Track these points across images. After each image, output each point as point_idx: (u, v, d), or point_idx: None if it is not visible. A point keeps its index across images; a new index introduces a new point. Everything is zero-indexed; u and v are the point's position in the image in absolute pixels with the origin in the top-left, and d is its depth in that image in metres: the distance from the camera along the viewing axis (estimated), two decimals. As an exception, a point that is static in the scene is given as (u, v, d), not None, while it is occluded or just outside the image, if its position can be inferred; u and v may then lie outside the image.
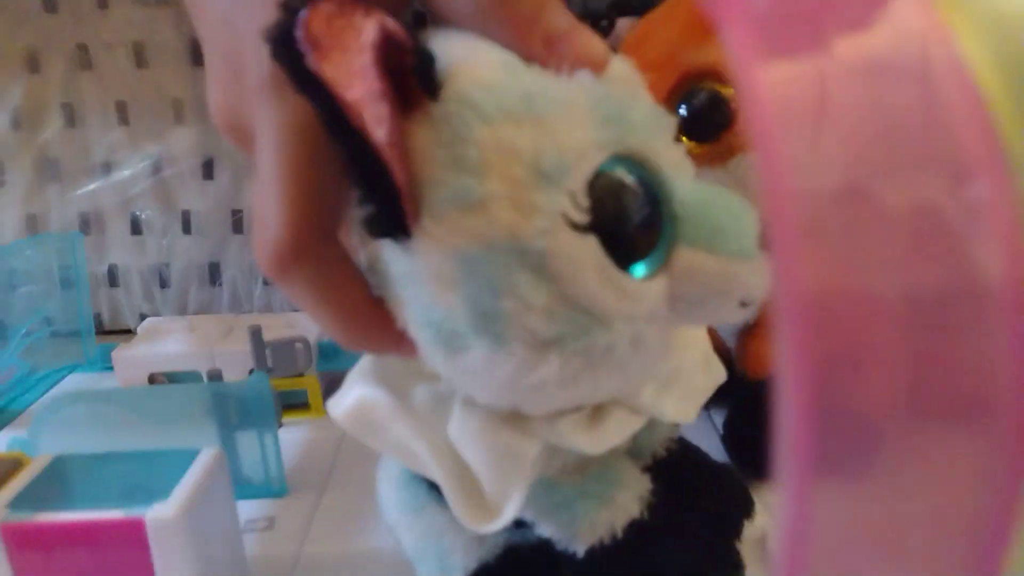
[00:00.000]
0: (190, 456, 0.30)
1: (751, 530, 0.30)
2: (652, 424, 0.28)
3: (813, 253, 0.12)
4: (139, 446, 0.32)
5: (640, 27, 0.34)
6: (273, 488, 0.38)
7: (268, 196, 0.21)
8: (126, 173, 0.60)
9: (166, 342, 0.48)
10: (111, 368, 0.50)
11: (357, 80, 0.17)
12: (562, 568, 0.27)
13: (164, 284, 0.61)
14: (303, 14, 0.18)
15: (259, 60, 0.21)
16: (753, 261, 0.22)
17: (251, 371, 0.45)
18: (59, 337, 0.54)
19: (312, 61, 0.17)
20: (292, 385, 0.45)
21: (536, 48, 0.21)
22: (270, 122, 0.21)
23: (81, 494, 0.29)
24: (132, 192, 0.60)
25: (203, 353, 0.46)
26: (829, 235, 0.12)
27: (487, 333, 0.20)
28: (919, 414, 0.13)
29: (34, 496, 0.28)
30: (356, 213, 0.20)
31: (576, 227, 0.20)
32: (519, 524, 0.27)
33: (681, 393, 0.27)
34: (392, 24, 0.18)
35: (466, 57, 0.20)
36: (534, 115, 0.19)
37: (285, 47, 0.18)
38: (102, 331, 0.62)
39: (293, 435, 0.43)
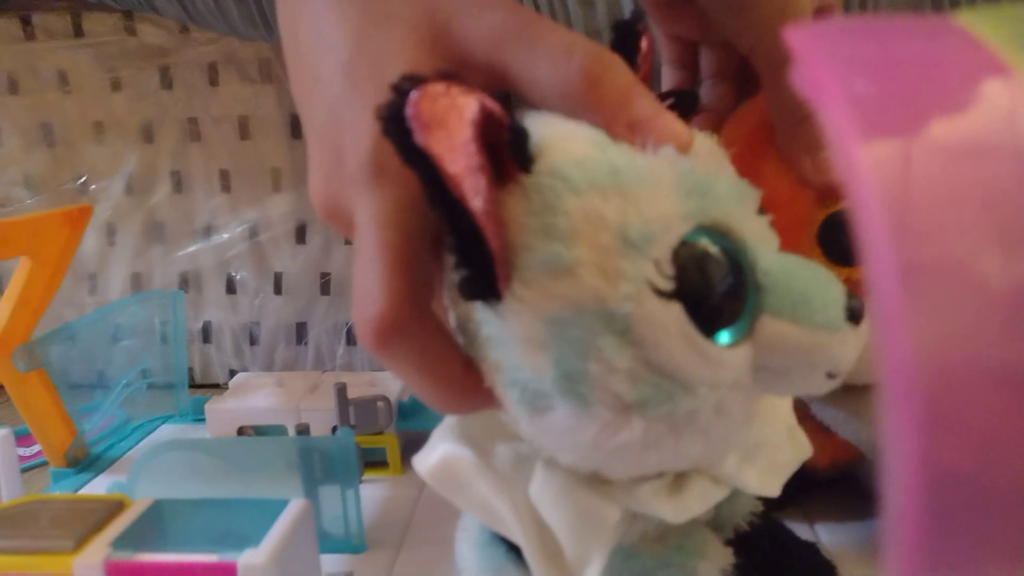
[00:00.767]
0: (279, 506, 0.31)
1: None
2: (734, 496, 0.28)
3: (918, 325, 0.13)
4: (228, 494, 0.33)
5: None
6: (352, 543, 0.38)
7: (369, 274, 0.23)
8: (225, 236, 0.63)
9: (255, 396, 0.50)
10: (202, 420, 0.52)
11: (458, 155, 0.19)
12: None
13: (254, 341, 0.64)
14: (413, 95, 0.19)
15: (358, 149, 0.23)
16: (840, 333, 0.22)
17: (335, 427, 0.47)
18: (154, 389, 0.57)
19: (419, 137, 0.19)
20: (372, 443, 0.46)
21: (621, 132, 0.22)
22: (370, 205, 0.23)
23: (177, 537, 0.30)
24: (229, 254, 0.63)
25: (290, 408, 0.48)
26: (933, 308, 0.13)
27: (572, 394, 0.21)
28: None
29: (135, 536, 0.29)
30: (451, 277, 0.21)
31: (661, 294, 0.20)
32: None
33: (765, 465, 0.27)
34: (490, 102, 0.20)
35: (556, 133, 0.22)
36: (621, 188, 0.21)
37: (395, 124, 0.19)
38: (194, 385, 0.65)
39: (371, 492, 0.44)
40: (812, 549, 0.31)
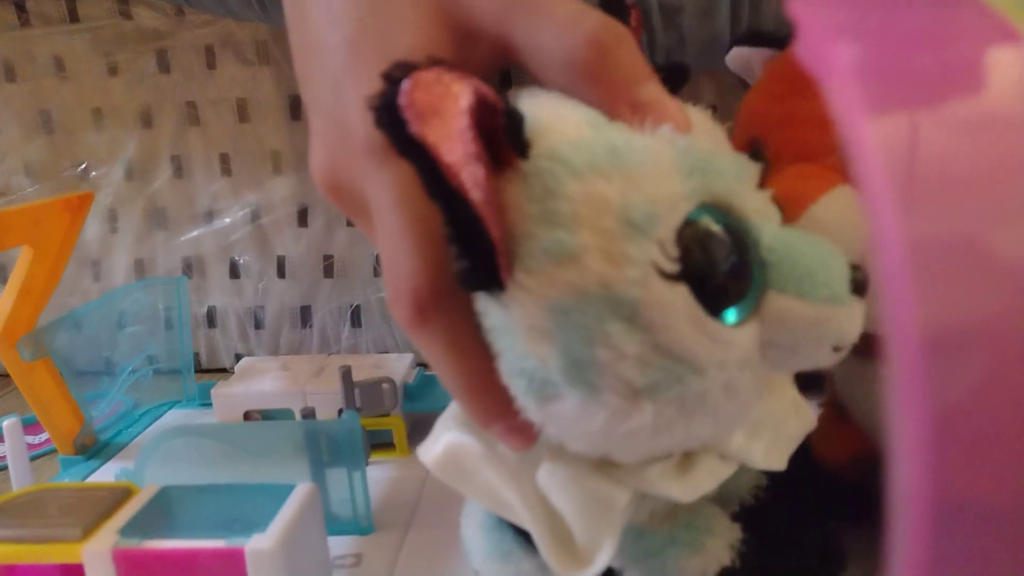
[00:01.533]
0: (286, 490, 0.31)
1: None
2: (739, 471, 0.28)
3: (924, 298, 0.12)
4: (235, 478, 0.33)
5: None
6: (360, 525, 0.38)
7: (401, 250, 0.22)
8: (227, 220, 0.63)
9: (261, 381, 0.50)
10: (208, 405, 0.52)
11: (455, 144, 0.19)
12: None
13: (259, 325, 0.64)
14: (405, 84, 0.19)
15: (367, 124, 0.22)
16: (845, 306, 0.22)
17: (340, 410, 0.47)
18: (161, 375, 0.57)
19: (414, 127, 0.19)
20: (378, 424, 0.46)
21: (623, 111, 0.22)
22: (386, 181, 0.22)
23: (184, 523, 0.30)
24: (232, 238, 0.63)
25: (296, 392, 0.48)
26: (942, 282, 0.12)
27: (580, 382, 0.20)
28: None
29: (143, 524, 0.29)
30: (453, 268, 0.21)
31: (667, 276, 0.20)
32: (607, 571, 0.27)
33: (771, 439, 0.27)
34: (484, 88, 0.19)
35: (552, 116, 0.21)
36: (622, 168, 0.20)
37: (388, 114, 0.19)
38: (200, 369, 0.65)
39: (378, 474, 0.44)
40: (820, 528, 0.31)
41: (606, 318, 0.20)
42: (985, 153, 0.14)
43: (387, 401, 0.46)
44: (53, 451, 0.51)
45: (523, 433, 0.23)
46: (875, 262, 0.13)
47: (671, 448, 0.23)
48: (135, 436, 0.52)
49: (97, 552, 0.28)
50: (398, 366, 0.49)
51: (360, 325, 0.63)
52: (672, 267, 0.20)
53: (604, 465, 0.24)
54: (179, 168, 0.63)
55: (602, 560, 0.24)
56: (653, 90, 0.22)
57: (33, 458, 0.50)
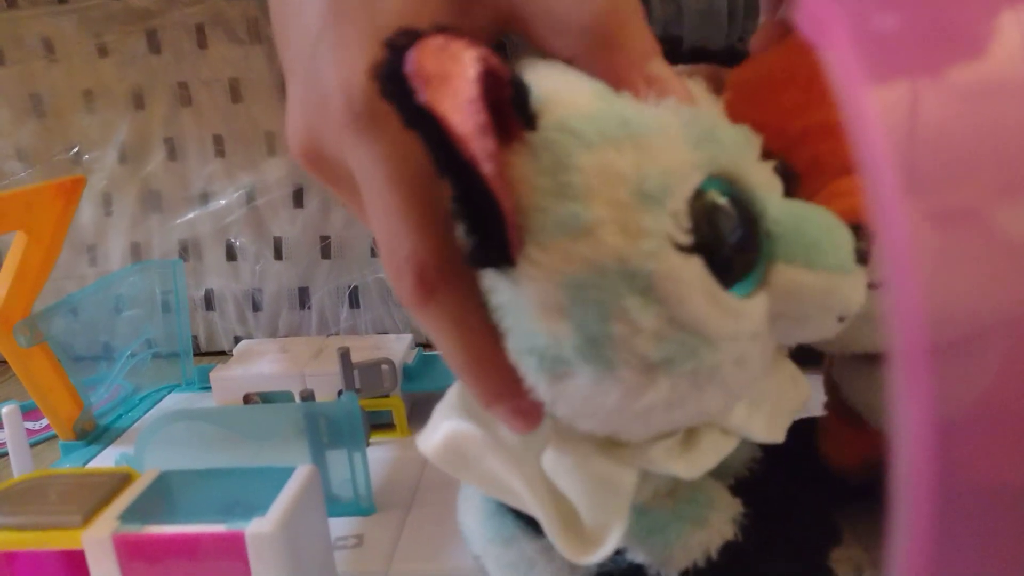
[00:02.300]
0: (286, 473, 0.31)
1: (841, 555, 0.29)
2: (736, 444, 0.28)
3: (928, 277, 0.12)
4: (236, 462, 0.33)
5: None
6: (362, 506, 0.38)
7: (397, 228, 0.21)
8: (222, 202, 0.63)
9: (260, 363, 0.49)
10: (208, 388, 0.52)
11: (464, 115, 0.18)
12: None
13: (256, 307, 0.64)
14: (411, 52, 0.18)
15: (349, 90, 0.21)
16: (851, 274, 0.22)
17: (340, 392, 0.46)
18: (160, 358, 0.57)
19: (423, 97, 0.18)
20: (378, 405, 0.46)
21: (637, 84, 0.21)
22: (377, 154, 0.21)
23: (185, 508, 0.30)
24: (227, 220, 0.63)
25: (295, 374, 0.47)
26: (946, 260, 0.12)
27: (596, 359, 0.20)
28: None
29: (143, 509, 0.29)
30: (460, 244, 0.20)
31: (681, 248, 0.20)
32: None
33: (771, 412, 0.27)
34: (492, 57, 0.19)
35: (559, 86, 0.21)
36: (634, 139, 0.20)
37: (394, 83, 0.18)
38: (199, 353, 0.65)
39: (379, 454, 0.44)
40: (813, 493, 0.31)
41: (622, 292, 0.19)
42: (988, 122, 0.14)
43: (386, 382, 0.45)
44: (53, 437, 0.51)
45: (528, 414, 0.23)
46: (878, 239, 0.12)
47: (682, 423, 0.23)
48: (135, 420, 0.52)
49: (97, 538, 0.28)
50: (397, 347, 0.49)
51: (358, 306, 0.63)
52: (686, 239, 0.20)
53: (609, 446, 0.24)
54: (172, 150, 0.62)
55: (612, 542, 0.24)
56: (662, 63, 0.22)
57: (33, 444, 0.50)
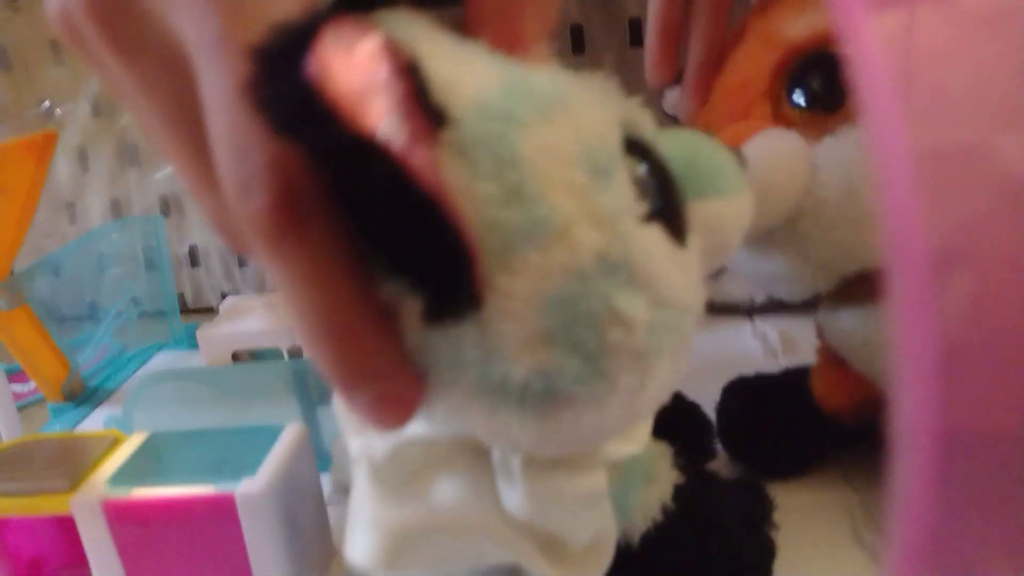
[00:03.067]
0: (275, 432, 0.30)
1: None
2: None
3: (928, 212, 0.11)
4: (225, 422, 0.33)
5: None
6: (355, 461, 0.38)
7: (247, 154, 0.15)
8: (201, 155, 0.61)
9: (247, 320, 0.49)
10: (196, 346, 0.51)
11: (394, 126, 0.14)
12: (623, 571, 0.25)
13: (242, 263, 0.63)
14: (312, 70, 0.13)
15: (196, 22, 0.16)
16: (748, 188, 0.22)
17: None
18: (146, 317, 0.56)
19: (348, 125, 0.13)
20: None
21: (516, 41, 0.18)
22: (218, 81, 0.16)
23: (174, 469, 0.30)
24: (208, 174, 0.61)
25: (283, 330, 0.47)
26: (945, 195, 0.12)
27: (596, 376, 0.17)
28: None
29: (131, 472, 0.29)
30: (407, 308, 0.16)
31: (642, 219, 0.17)
32: None
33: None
34: (394, 44, 0.15)
35: (449, 61, 0.16)
36: (561, 108, 0.16)
37: (298, 106, 0.13)
38: (186, 310, 0.64)
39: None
40: (746, 482, 0.30)
41: (610, 292, 0.16)
42: (993, 52, 0.13)
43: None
44: (42, 399, 0.51)
45: (400, 402, 0.18)
46: (875, 174, 0.12)
47: (660, 403, 0.20)
48: (124, 380, 0.51)
49: (87, 503, 0.28)
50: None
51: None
52: (644, 207, 0.17)
53: (566, 460, 0.22)
54: (147, 102, 0.61)
55: (610, 551, 0.23)
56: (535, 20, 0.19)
57: (22, 407, 0.49)
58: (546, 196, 0.16)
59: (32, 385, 0.53)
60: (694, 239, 0.20)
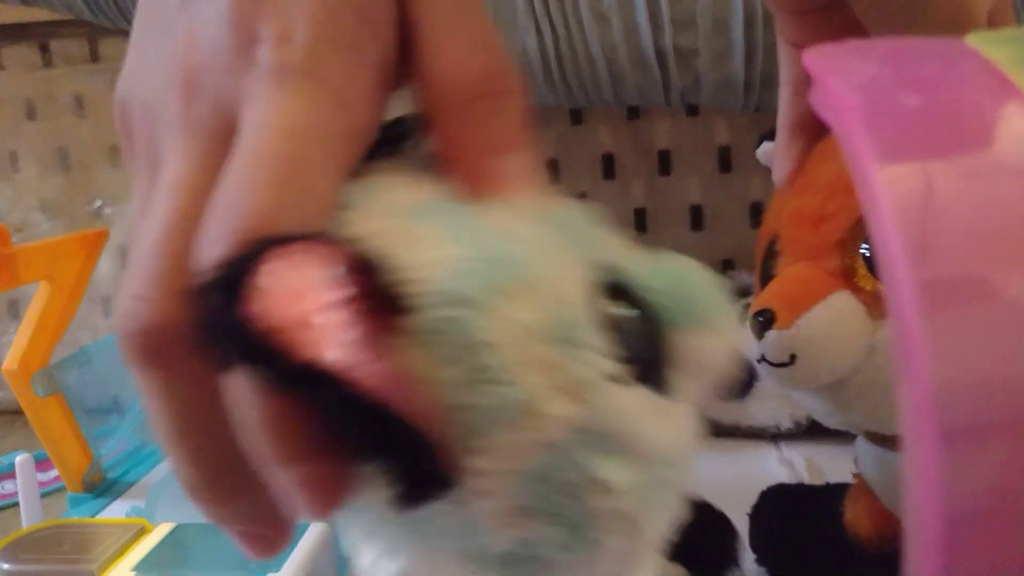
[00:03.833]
0: (300, 530, 0.31)
1: None
2: None
3: (937, 345, 0.13)
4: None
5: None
6: (370, 565, 0.38)
7: (155, 254, 0.16)
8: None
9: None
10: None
11: (357, 354, 0.14)
12: None
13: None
14: (252, 303, 0.14)
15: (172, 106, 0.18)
16: (738, 324, 0.20)
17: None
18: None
19: (291, 355, 0.13)
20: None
21: (479, 175, 0.18)
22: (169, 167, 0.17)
23: (199, 562, 0.30)
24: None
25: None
26: (953, 324, 0.13)
27: (581, 543, 0.17)
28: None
29: (158, 561, 0.29)
30: (376, 496, 0.16)
31: (620, 377, 0.17)
32: None
33: None
34: (349, 251, 0.15)
35: (399, 236, 0.16)
36: (521, 277, 0.16)
37: (242, 355, 0.14)
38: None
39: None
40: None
41: (588, 461, 0.16)
42: (996, 200, 0.14)
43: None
44: (61, 489, 0.51)
45: (268, 540, 0.18)
46: (890, 307, 0.13)
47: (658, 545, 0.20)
48: (143, 474, 0.52)
49: (111, 590, 0.28)
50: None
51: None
52: (621, 362, 0.17)
53: None
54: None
55: None
56: (522, 158, 0.18)
57: (42, 496, 0.50)
58: (512, 375, 0.15)
59: (52, 474, 0.53)
60: (682, 379, 0.19)
